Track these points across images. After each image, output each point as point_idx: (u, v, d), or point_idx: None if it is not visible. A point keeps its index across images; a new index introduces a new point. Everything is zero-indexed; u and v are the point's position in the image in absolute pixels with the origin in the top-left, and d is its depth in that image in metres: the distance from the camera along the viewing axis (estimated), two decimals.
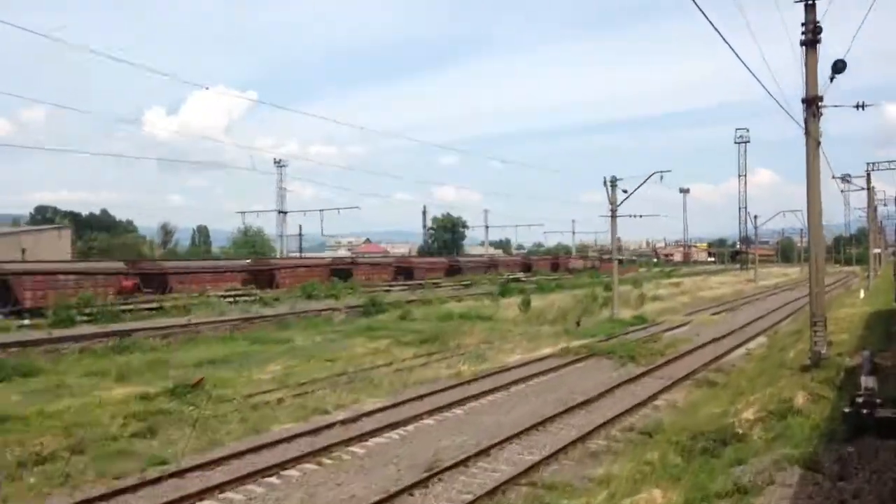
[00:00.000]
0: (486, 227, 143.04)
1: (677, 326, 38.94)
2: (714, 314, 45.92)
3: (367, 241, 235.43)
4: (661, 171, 39.35)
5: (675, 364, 26.36)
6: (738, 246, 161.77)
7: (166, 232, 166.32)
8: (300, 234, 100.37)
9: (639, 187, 39.13)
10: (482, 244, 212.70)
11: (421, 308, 44.81)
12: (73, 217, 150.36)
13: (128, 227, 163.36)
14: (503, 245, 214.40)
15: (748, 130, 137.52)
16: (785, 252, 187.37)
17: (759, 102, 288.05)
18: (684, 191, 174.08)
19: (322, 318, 39.32)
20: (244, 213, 69.35)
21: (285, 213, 68.75)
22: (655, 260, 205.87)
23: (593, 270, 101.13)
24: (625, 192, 39.21)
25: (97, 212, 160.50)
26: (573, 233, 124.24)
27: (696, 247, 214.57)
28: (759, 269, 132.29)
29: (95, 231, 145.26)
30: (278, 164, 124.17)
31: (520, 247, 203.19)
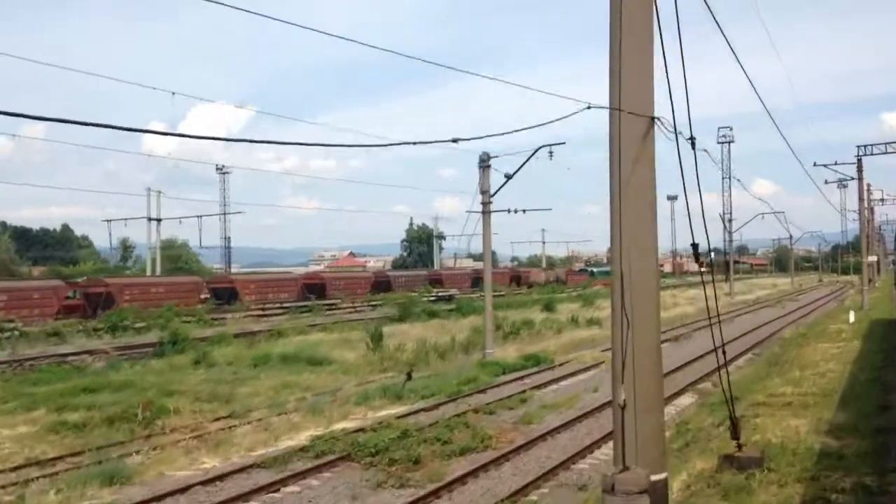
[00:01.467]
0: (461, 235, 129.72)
1: (579, 371, 26.44)
2: None
3: (351, 253, 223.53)
4: (552, 145, 26.74)
5: (490, 477, 13.95)
6: (710, 255, 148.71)
7: (125, 247, 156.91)
8: (227, 247, 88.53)
9: (522, 166, 26.52)
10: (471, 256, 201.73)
11: (258, 344, 32.63)
12: (22, 232, 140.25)
13: (81, 243, 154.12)
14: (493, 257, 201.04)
15: (732, 129, 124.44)
16: (781, 262, 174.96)
17: (753, 115, 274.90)
18: (672, 198, 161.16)
19: (66, 367, 26.64)
20: (110, 221, 57.11)
21: (159, 220, 56.72)
22: None
23: (556, 284, 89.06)
24: (507, 176, 26.72)
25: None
26: (543, 242, 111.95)
27: (687, 258, 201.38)
28: (747, 281, 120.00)
29: (44, 247, 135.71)
30: (220, 170, 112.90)
31: (514, 259, 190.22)
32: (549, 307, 51.71)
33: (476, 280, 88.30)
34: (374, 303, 58.03)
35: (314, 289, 63.72)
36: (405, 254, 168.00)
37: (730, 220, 68.40)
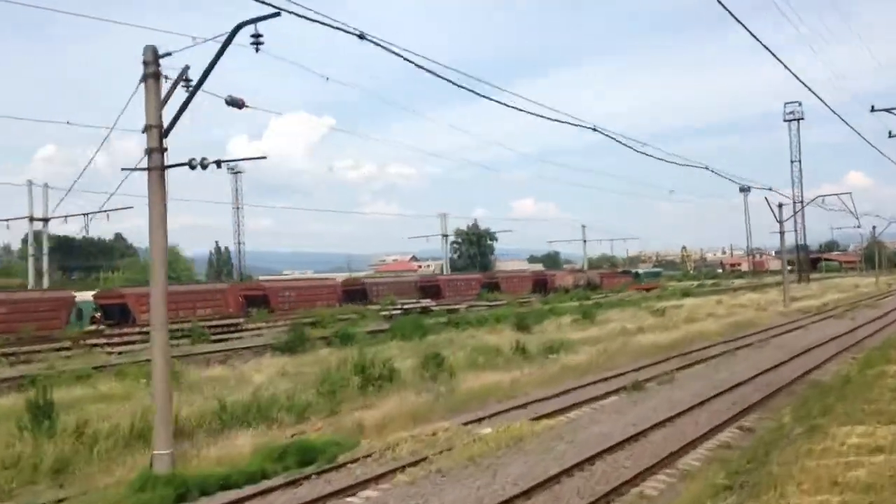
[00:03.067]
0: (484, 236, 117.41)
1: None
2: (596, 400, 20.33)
3: (414, 258, 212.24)
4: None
5: None
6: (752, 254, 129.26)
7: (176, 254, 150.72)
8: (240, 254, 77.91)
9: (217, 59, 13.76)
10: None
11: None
12: (63, 242, 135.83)
13: (125, 252, 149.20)
14: (552, 258, 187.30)
15: (800, 104, 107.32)
16: (871, 258, 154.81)
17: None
18: (744, 190, 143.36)
19: None
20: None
21: (46, 220, 46.23)
22: (720, 270, 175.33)
23: (586, 289, 74.97)
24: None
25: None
26: (584, 241, 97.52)
27: (768, 255, 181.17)
28: (827, 281, 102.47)
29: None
30: (232, 170, 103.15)
31: (567, 261, 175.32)
32: (521, 325, 38.40)
33: (539, 283, 75.25)
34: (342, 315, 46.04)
35: (355, 295, 55.72)
36: (455, 256, 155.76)
37: (779, 206, 53.12)
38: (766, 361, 26.82)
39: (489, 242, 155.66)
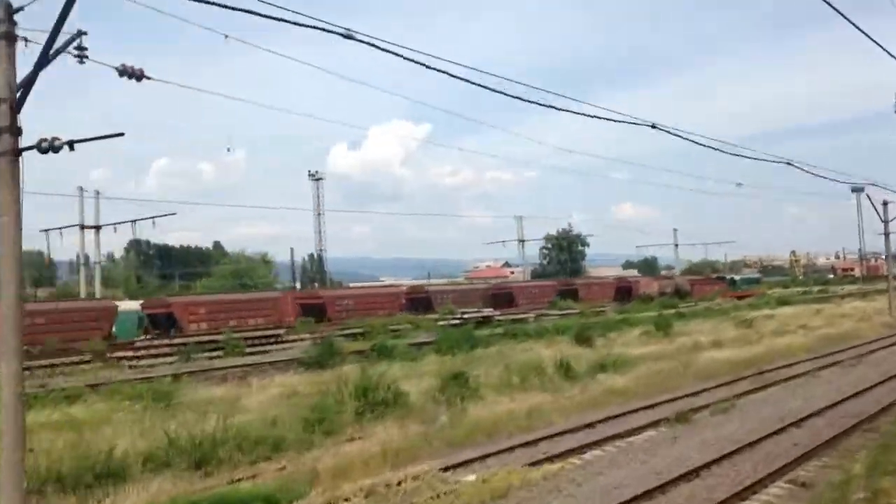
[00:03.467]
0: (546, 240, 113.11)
1: None
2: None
3: (506, 264, 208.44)
4: None
5: None
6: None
7: (266, 262, 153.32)
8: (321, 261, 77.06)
9: None
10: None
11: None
12: (163, 250, 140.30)
13: (219, 259, 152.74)
14: (649, 264, 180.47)
15: None
16: None
17: None
18: (857, 190, 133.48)
19: None
20: (48, 230, 46.52)
21: (99, 227, 44.88)
22: (832, 276, 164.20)
23: (672, 296, 69.96)
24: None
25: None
26: (675, 245, 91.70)
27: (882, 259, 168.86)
28: None
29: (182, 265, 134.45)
30: (314, 176, 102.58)
31: (667, 267, 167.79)
32: (582, 337, 34.93)
33: (623, 291, 71.19)
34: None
35: (419, 303, 54.12)
36: (544, 262, 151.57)
37: (883, 204, 47.45)
38: (853, 385, 22.61)
39: (580, 248, 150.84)
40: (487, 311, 46.93)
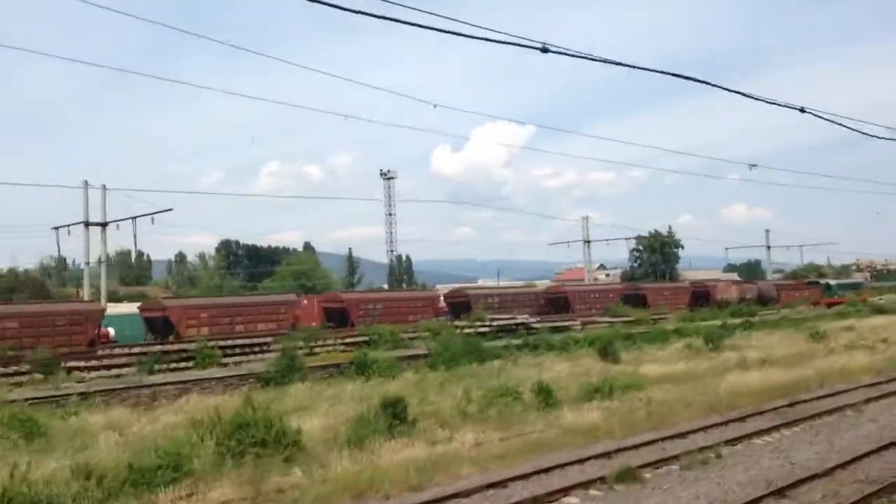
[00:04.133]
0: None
1: None
2: None
3: (601, 266, 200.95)
4: None
5: None
6: None
7: (351, 262, 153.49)
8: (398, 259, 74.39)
9: None
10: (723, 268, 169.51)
11: None
12: (252, 251, 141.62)
13: (304, 259, 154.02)
14: (750, 267, 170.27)
15: None
16: None
17: None
18: None
19: None
20: (58, 228, 44.19)
21: (105, 224, 42.25)
22: None
23: (757, 303, 62.97)
24: None
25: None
26: (767, 246, 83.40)
27: None
28: None
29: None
30: (385, 176, 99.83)
31: (778, 271, 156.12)
32: (607, 352, 30.16)
33: (700, 296, 64.99)
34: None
35: (460, 307, 50.45)
36: (635, 264, 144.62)
37: None
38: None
39: (673, 249, 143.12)
40: (523, 318, 42.07)
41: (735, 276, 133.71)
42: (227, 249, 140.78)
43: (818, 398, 21.44)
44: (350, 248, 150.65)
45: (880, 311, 55.03)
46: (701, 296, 65.21)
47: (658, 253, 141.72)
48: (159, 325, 37.08)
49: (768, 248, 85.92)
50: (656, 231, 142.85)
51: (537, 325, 40.85)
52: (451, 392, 22.13)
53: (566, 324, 44.36)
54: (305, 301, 48.72)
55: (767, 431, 17.35)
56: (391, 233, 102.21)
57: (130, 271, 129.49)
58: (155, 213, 44.38)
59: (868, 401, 20.82)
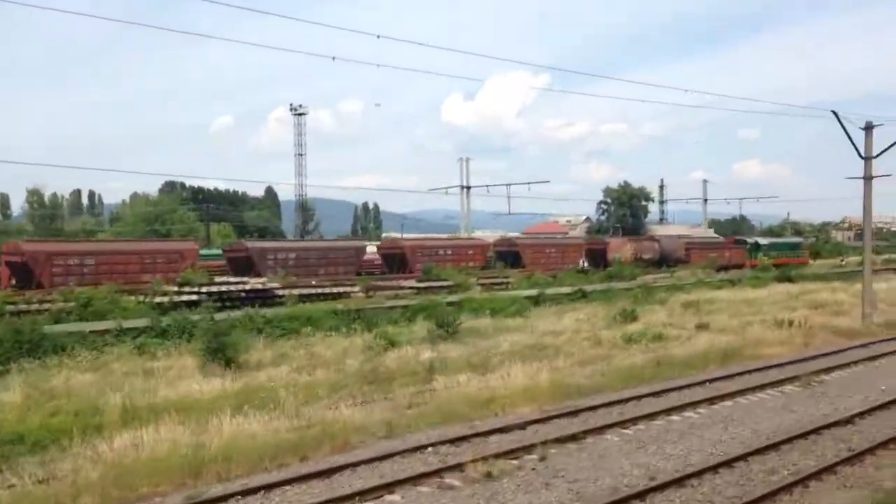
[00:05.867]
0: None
1: None
2: None
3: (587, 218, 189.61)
4: None
5: None
6: None
7: (305, 210, 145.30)
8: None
9: None
10: (705, 222, 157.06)
11: None
12: (197, 193, 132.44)
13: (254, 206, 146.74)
14: (736, 223, 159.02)
15: None
16: None
17: None
18: None
19: None
20: None
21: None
22: None
23: (659, 264, 52.90)
24: None
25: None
26: (704, 199, 71.95)
27: None
28: None
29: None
30: (295, 111, 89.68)
31: (781, 227, 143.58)
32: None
33: (597, 254, 54.87)
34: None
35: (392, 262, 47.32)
36: (602, 216, 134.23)
37: None
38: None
39: (643, 203, 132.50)
40: (259, 283, 31.61)
41: (711, 232, 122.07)
42: (171, 192, 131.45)
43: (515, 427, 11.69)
44: (304, 195, 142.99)
45: (788, 279, 44.40)
46: (599, 255, 54.90)
47: (626, 206, 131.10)
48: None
49: (705, 200, 75.10)
50: (625, 182, 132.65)
51: (282, 293, 30.62)
52: None
53: (340, 290, 33.83)
54: None
55: None
56: (302, 175, 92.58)
57: None
58: None
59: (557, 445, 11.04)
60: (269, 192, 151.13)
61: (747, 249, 62.60)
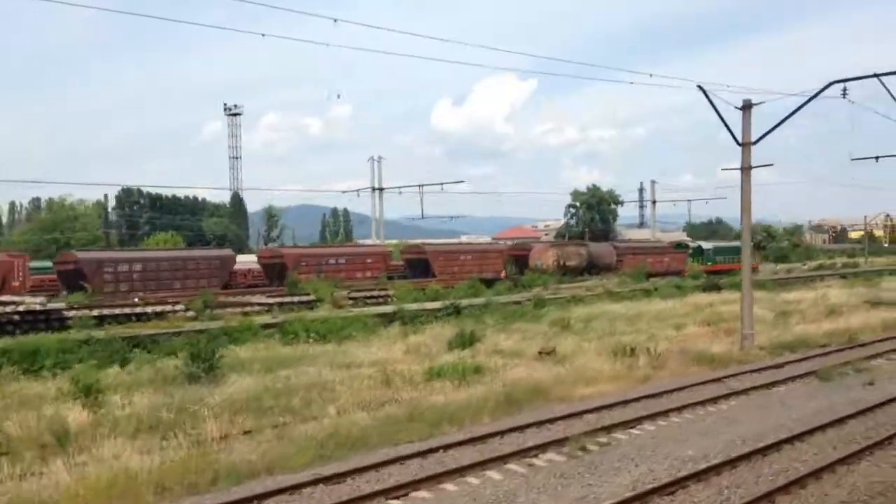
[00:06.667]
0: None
1: None
2: None
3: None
4: None
5: None
6: None
7: (270, 216, 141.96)
8: None
9: None
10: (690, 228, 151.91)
11: None
12: (153, 199, 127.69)
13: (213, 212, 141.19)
14: (712, 228, 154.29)
15: None
16: None
17: None
18: None
19: None
20: None
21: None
22: None
23: (586, 272, 47.79)
24: None
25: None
26: (653, 202, 66.91)
27: None
28: None
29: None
30: (230, 111, 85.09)
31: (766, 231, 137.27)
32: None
33: (520, 261, 49.90)
34: None
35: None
36: (570, 220, 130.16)
37: None
38: None
39: (611, 207, 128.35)
40: (38, 302, 26.17)
41: (684, 237, 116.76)
42: (128, 198, 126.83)
43: None
44: (270, 203, 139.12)
45: (716, 287, 39.35)
46: (523, 262, 49.87)
47: (595, 210, 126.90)
48: None
49: (653, 203, 70.31)
50: (593, 185, 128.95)
51: (69, 314, 25.34)
52: None
53: (159, 309, 28.50)
54: None
55: None
56: (236, 178, 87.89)
57: None
58: None
59: None
60: (235, 198, 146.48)
61: (689, 255, 57.56)
